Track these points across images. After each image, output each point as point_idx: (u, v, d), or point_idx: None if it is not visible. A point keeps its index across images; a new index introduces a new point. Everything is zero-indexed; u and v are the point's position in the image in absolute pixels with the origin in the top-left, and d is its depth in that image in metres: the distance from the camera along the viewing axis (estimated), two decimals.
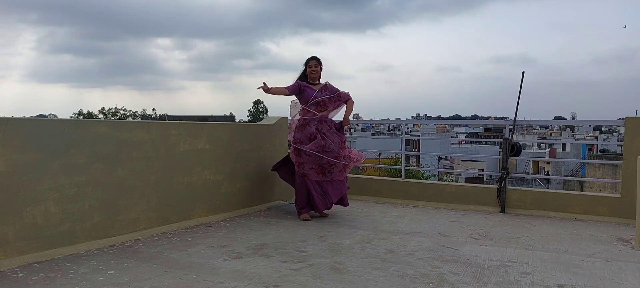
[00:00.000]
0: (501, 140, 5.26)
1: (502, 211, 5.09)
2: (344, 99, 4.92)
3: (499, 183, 5.14)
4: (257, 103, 67.10)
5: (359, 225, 4.46)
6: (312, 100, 4.79)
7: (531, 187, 6.30)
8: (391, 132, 59.73)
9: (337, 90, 4.92)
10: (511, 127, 5.21)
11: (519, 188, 5.22)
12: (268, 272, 3.04)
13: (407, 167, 8.24)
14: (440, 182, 5.62)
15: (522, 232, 4.22)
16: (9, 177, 3.10)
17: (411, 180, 5.86)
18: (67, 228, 3.41)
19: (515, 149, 5.14)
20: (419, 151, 32.05)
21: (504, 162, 5.15)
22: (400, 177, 5.92)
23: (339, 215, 4.89)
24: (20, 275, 2.93)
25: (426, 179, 17.71)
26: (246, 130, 5.17)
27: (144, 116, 55.54)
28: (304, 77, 4.93)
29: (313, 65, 4.88)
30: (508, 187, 5.13)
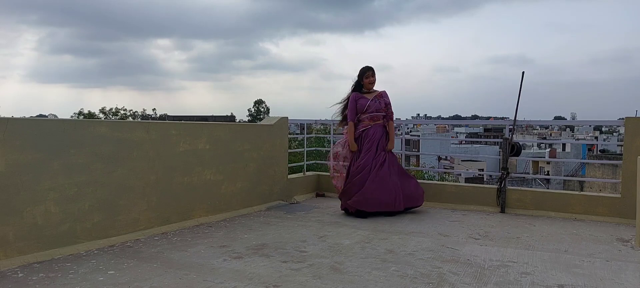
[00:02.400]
0: (501, 140, 5.26)
1: (502, 211, 5.09)
2: (389, 116, 5.09)
3: (499, 183, 5.14)
4: (258, 103, 67.00)
5: (358, 225, 4.46)
6: (366, 110, 4.98)
7: (531, 187, 6.31)
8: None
9: (390, 105, 5.10)
10: (511, 127, 5.21)
11: (519, 188, 5.22)
12: (268, 272, 3.04)
13: (407, 168, 8.27)
14: (440, 182, 5.61)
15: (522, 232, 4.22)
16: (9, 177, 3.10)
17: None
18: (67, 228, 3.41)
19: (515, 149, 5.14)
20: (418, 151, 32.08)
21: (504, 162, 5.15)
22: None
23: (339, 216, 4.89)
24: (20, 275, 2.93)
25: (429, 179, 17.68)
26: (246, 130, 5.18)
27: (144, 116, 55.57)
28: (358, 87, 5.10)
29: (371, 75, 5.05)
30: (508, 187, 5.14)
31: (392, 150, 5.09)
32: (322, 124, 9.30)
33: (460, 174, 35.45)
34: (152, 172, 4.03)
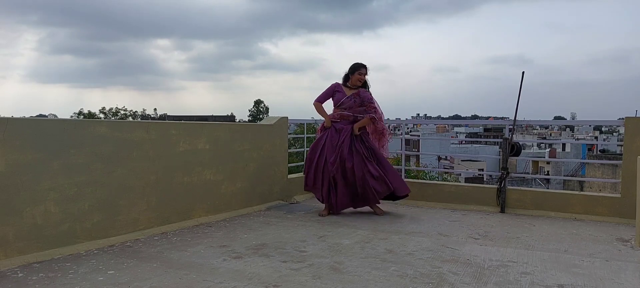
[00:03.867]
0: (501, 140, 5.26)
1: (502, 211, 5.09)
2: (367, 111, 4.93)
3: (498, 183, 5.14)
4: (257, 103, 66.88)
5: (358, 225, 4.47)
6: (340, 105, 4.93)
7: (531, 187, 6.32)
8: (390, 130, 59.46)
9: (370, 101, 4.93)
10: (511, 127, 5.21)
11: (518, 188, 5.23)
12: (268, 272, 3.04)
13: (408, 168, 8.18)
14: (440, 182, 5.62)
15: (522, 232, 4.22)
16: (9, 177, 3.10)
17: (411, 180, 5.86)
18: (67, 228, 3.41)
19: (515, 149, 5.14)
20: (418, 151, 32.07)
21: (503, 162, 5.15)
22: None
23: (339, 215, 4.89)
24: (20, 275, 2.93)
25: (430, 179, 17.54)
26: (246, 130, 5.18)
27: (144, 116, 55.54)
28: (345, 79, 5.04)
29: (362, 73, 4.97)
30: (508, 187, 5.14)
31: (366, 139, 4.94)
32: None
33: (460, 174, 35.45)
34: (152, 172, 4.03)
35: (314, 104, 5.02)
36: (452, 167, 35.93)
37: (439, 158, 37.14)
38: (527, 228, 4.38)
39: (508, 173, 5.14)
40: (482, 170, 37.84)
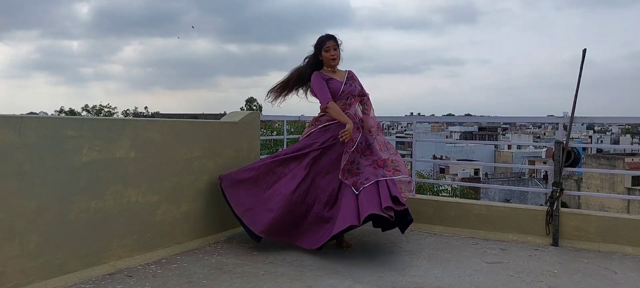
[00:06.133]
0: (553, 145, 3.80)
1: (555, 244, 3.65)
2: (367, 97, 3.70)
3: (549, 204, 3.71)
4: (250, 101, 64.77)
5: (353, 271, 3.01)
6: (340, 95, 3.52)
7: (591, 210, 4.88)
8: (385, 130, 57.98)
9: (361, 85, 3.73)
10: (566, 125, 3.77)
11: (577, 211, 3.80)
12: None
13: (420, 180, 6.55)
14: (464, 201, 4.18)
15: (602, 287, 2.80)
16: None
17: (423, 196, 4.41)
18: None
19: (573, 157, 3.72)
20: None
21: (556, 175, 3.72)
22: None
23: (329, 252, 3.43)
24: None
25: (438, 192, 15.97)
26: (196, 130, 3.67)
27: (136, 114, 52.94)
28: (318, 64, 3.60)
29: (332, 47, 3.54)
30: (562, 209, 3.70)
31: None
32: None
33: (457, 174, 34.22)
34: (28, 196, 2.55)
35: (329, 105, 3.45)
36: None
37: (436, 157, 35.78)
38: (606, 278, 2.95)
39: (562, 190, 3.71)
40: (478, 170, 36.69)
